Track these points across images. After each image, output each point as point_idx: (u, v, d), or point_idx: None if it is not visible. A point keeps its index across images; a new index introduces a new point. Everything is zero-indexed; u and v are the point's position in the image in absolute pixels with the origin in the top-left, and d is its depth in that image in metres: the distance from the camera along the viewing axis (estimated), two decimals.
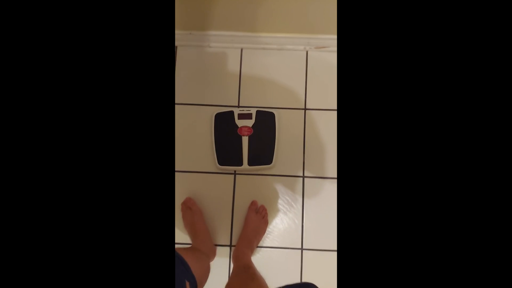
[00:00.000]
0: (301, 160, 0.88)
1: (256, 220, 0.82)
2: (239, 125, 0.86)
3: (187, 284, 0.40)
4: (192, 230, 0.79)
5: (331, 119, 0.88)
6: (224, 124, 0.86)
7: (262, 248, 0.85)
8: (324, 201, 0.86)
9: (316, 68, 0.90)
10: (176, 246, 0.62)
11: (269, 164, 0.85)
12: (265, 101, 0.90)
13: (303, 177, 0.87)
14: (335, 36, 0.85)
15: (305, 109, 0.89)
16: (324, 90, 0.90)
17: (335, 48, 0.89)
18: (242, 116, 0.86)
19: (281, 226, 0.86)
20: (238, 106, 0.90)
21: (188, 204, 0.82)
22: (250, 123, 0.86)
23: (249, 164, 0.85)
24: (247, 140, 0.85)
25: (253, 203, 0.84)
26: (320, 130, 0.88)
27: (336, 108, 0.89)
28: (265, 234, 0.84)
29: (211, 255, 0.79)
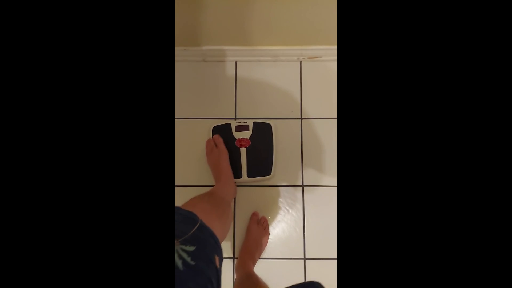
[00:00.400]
0: (300, 169, 0.88)
1: (258, 231, 0.82)
2: (237, 137, 0.87)
3: (217, 259, 0.38)
4: (216, 169, 0.80)
5: (328, 127, 0.89)
6: (222, 137, 0.87)
7: (264, 260, 0.85)
8: (324, 209, 0.86)
9: (310, 77, 0.92)
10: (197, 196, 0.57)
11: (268, 175, 0.86)
12: (262, 112, 0.91)
13: (303, 186, 0.88)
14: (327, 47, 0.87)
15: (301, 118, 0.90)
16: (319, 99, 0.91)
17: (328, 58, 0.91)
18: (239, 128, 0.87)
19: (282, 236, 0.86)
20: (235, 118, 0.91)
21: (216, 142, 0.83)
22: (247, 134, 0.87)
23: (248, 175, 0.85)
24: (245, 152, 0.86)
25: (254, 214, 0.85)
26: (318, 139, 0.89)
27: (332, 116, 0.90)
28: (267, 245, 0.84)
29: (232, 195, 0.79)
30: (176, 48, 0.88)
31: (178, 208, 0.43)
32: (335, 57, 0.91)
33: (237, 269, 0.76)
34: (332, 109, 0.90)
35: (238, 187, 0.87)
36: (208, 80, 0.92)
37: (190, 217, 0.40)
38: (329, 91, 0.91)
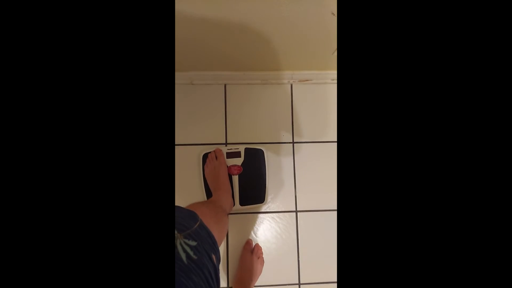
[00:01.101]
0: (293, 194, 0.88)
1: (251, 260, 0.81)
2: (228, 164, 0.84)
3: (214, 258, 0.39)
4: (214, 181, 0.80)
5: (320, 151, 0.89)
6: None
7: (258, 287, 0.84)
8: (318, 234, 0.86)
9: (301, 100, 0.91)
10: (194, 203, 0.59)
11: (261, 202, 0.84)
12: (253, 137, 0.89)
13: (296, 211, 0.87)
14: (318, 72, 0.86)
15: (293, 142, 0.89)
16: (311, 122, 0.90)
17: (319, 81, 0.91)
18: (230, 155, 0.85)
19: (276, 262, 0.85)
20: (226, 144, 0.88)
21: (217, 154, 0.82)
22: (239, 161, 0.85)
23: (241, 204, 0.83)
24: (237, 179, 0.84)
25: (248, 243, 0.83)
26: (310, 163, 0.89)
27: (323, 140, 0.90)
28: (261, 273, 0.83)
29: (229, 207, 0.78)
30: None
31: (180, 207, 0.44)
32: (327, 80, 0.91)
33: None
34: (323, 133, 0.90)
35: (230, 215, 0.85)
36: (196, 104, 0.89)
37: (191, 215, 0.42)
38: (320, 114, 0.91)
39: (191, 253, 0.34)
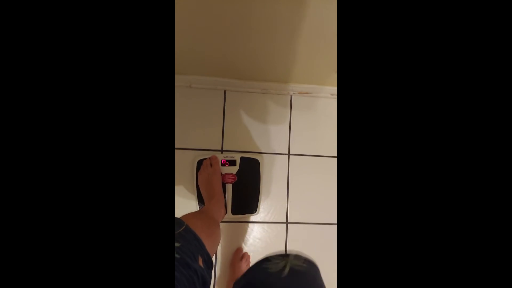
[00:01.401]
0: (285, 206, 0.88)
1: (240, 268, 0.81)
2: (223, 172, 0.83)
3: (200, 259, 0.41)
4: (208, 189, 0.79)
5: (315, 165, 0.90)
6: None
7: None
8: (306, 246, 0.87)
9: (300, 112, 0.91)
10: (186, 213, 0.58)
11: (253, 213, 0.84)
12: (249, 146, 0.88)
13: (287, 223, 0.88)
14: (318, 86, 0.87)
15: (289, 154, 0.90)
16: (308, 135, 0.91)
17: (319, 94, 0.91)
18: (226, 163, 0.84)
19: None
20: (222, 151, 0.87)
21: (212, 162, 0.81)
22: (234, 170, 0.84)
23: (233, 213, 0.83)
24: (231, 188, 0.83)
25: (238, 251, 0.83)
26: (304, 176, 0.90)
27: (319, 154, 0.91)
28: None
29: (222, 217, 0.77)
30: None
31: None
32: (327, 94, 0.91)
33: None
34: (320, 147, 0.91)
35: (221, 223, 0.85)
36: (194, 107, 0.87)
37: (177, 222, 0.44)
38: (317, 128, 0.91)
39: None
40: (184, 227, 0.43)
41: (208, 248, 0.47)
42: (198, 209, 0.83)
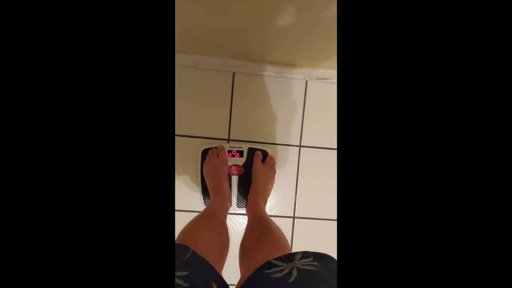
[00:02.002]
0: (293, 200, 0.84)
1: (264, 169, 0.77)
2: (229, 163, 0.78)
3: (215, 286, 0.38)
4: (214, 182, 0.74)
5: (327, 158, 0.84)
6: None
7: None
8: (313, 242, 0.85)
9: (315, 100, 0.83)
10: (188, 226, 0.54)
11: None
12: (258, 135, 0.81)
13: (294, 217, 0.84)
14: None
15: (300, 146, 0.83)
16: (322, 126, 0.83)
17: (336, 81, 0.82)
18: (232, 154, 0.78)
19: None
20: (228, 140, 0.81)
21: (219, 152, 0.76)
22: (241, 161, 0.79)
23: (238, 206, 0.79)
24: (237, 180, 0.79)
25: (258, 154, 0.79)
26: (315, 170, 0.84)
27: (333, 147, 0.84)
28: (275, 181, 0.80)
29: (228, 210, 0.74)
30: None
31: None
32: None
33: (248, 212, 0.72)
34: (334, 139, 0.84)
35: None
36: (199, 91, 0.79)
37: (182, 248, 0.41)
38: (334, 118, 0.83)
39: (181, 282, 0.32)
40: (190, 253, 0.38)
41: (217, 264, 0.43)
42: (203, 202, 0.80)
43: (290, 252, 0.48)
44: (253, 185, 0.76)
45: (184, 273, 0.34)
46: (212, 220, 0.57)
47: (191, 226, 0.52)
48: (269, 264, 0.39)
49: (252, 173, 0.78)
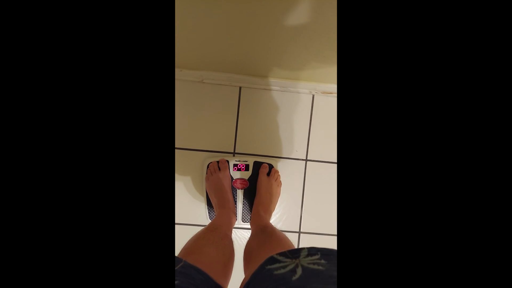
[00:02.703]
0: (299, 215, 0.83)
1: (269, 182, 0.76)
2: (234, 177, 0.78)
3: None
4: (218, 197, 0.73)
5: (333, 173, 0.83)
6: None
7: None
8: None
9: (322, 114, 0.82)
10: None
11: None
12: (264, 148, 0.81)
13: (299, 232, 0.83)
14: None
15: (306, 160, 0.83)
16: (328, 140, 0.83)
17: None
18: (238, 167, 0.78)
19: None
20: (234, 153, 0.81)
21: (221, 166, 0.76)
22: (246, 175, 0.78)
23: (244, 220, 0.79)
24: (242, 194, 0.78)
25: (264, 167, 0.78)
26: (321, 185, 0.83)
27: None
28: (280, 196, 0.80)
29: (233, 225, 0.73)
30: None
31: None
32: None
33: (252, 223, 0.70)
34: None
35: None
36: (206, 105, 0.79)
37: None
38: None
39: None
40: (181, 263, 0.38)
41: (220, 279, 0.42)
42: (208, 216, 0.80)
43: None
44: (257, 197, 0.76)
45: (175, 282, 0.33)
46: (216, 234, 0.56)
47: (194, 241, 0.52)
48: (272, 259, 0.37)
49: (257, 186, 0.77)
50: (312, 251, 0.36)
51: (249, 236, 0.82)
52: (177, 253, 0.48)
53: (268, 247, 0.49)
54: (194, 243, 0.51)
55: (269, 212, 0.74)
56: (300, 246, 0.82)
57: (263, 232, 0.59)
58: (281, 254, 0.37)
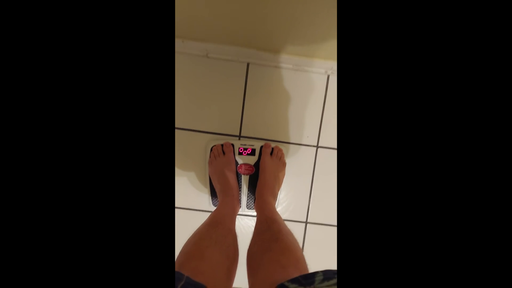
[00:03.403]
0: (306, 204, 0.78)
1: (272, 162, 0.71)
2: (239, 162, 0.72)
3: None
4: (221, 182, 0.68)
5: None
6: None
7: None
8: (325, 249, 0.79)
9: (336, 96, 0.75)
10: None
11: None
12: (272, 132, 0.75)
13: (306, 222, 0.79)
14: None
15: (317, 146, 0.76)
16: None
17: None
18: (243, 152, 0.72)
19: None
20: (239, 137, 0.75)
21: (225, 150, 0.71)
22: (252, 160, 0.73)
23: (248, 207, 0.74)
24: (247, 180, 0.73)
25: (266, 146, 0.73)
26: (331, 173, 0.77)
27: None
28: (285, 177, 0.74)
29: (237, 212, 0.68)
30: None
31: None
32: None
33: (257, 209, 0.64)
34: None
35: None
36: (210, 82, 0.73)
37: (176, 277, 0.36)
38: None
39: None
40: (183, 281, 0.34)
41: (225, 284, 0.39)
42: (211, 201, 0.75)
43: (304, 264, 0.43)
44: (261, 179, 0.70)
45: None
46: (218, 231, 0.51)
47: (195, 242, 0.47)
48: (282, 286, 0.33)
49: (259, 167, 0.71)
50: (328, 274, 0.32)
51: (253, 224, 0.78)
52: (177, 251, 0.44)
53: (272, 256, 0.44)
54: (195, 245, 0.46)
55: (274, 195, 0.68)
56: (306, 237, 0.78)
57: (268, 228, 0.54)
58: (293, 281, 0.33)
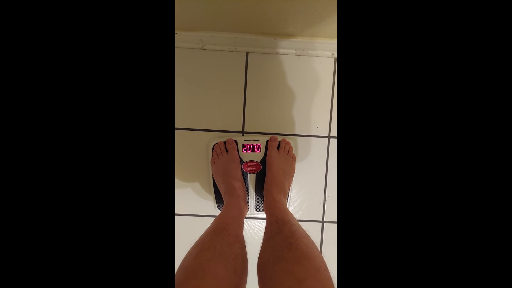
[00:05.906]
0: (321, 201, 0.71)
1: (280, 157, 0.65)
2: (244, 160, 0.67)
3: None
4: (226, 182, 0.63)
5: None
6: None
7: None
8: None
9: None
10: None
11: None
12: (278, 125, 0.69)
13: (323, 222, 0.71)
14: None
15: (329, 137, 0.70)
16: None
17: None
18: (248, 148, 0.67)
19: None
20: (243, 132, 0.69)
21: (228, 147, 0.66)
22: (258, 157, 0.67)
23: (257, 209, 0.68)
24: (254, 179, 0.67)
25: (272, 139, 0.66)
26: None
27: None
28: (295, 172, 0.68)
29: (245, 215, 0.62)
30: None
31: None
32: None
33: (267, 209, 0.58)
34: None
35: None
36: (208, 77, 0.68)
37: None
38: None
39: None
40: None
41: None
42: (216, 205, 0.69)
43: (325, 272, 0.35)
44: (268, 176, 0.64)
45: None
46: (223, 239, 0.45)
47: (196, 254, 0.40)
48: None
49: (266, 162, 0.65)
50: None
51: (263, 227, 0.71)
52: (177, 265, 0.37)
53: (285, 267, 0.37)
54: (196, 259, 0.39)
55: (284, 193, 0.62)
56: (324, 237, 0.71)
57: (280, 232, 0.46)
58: None
